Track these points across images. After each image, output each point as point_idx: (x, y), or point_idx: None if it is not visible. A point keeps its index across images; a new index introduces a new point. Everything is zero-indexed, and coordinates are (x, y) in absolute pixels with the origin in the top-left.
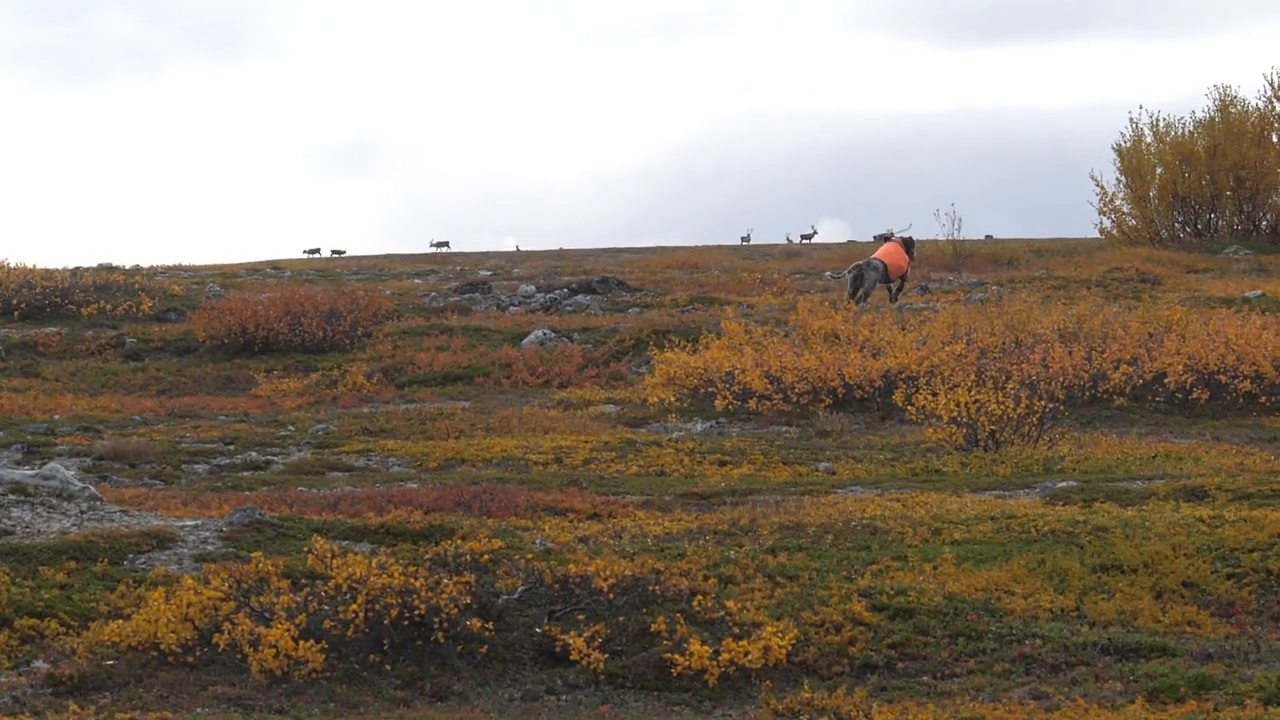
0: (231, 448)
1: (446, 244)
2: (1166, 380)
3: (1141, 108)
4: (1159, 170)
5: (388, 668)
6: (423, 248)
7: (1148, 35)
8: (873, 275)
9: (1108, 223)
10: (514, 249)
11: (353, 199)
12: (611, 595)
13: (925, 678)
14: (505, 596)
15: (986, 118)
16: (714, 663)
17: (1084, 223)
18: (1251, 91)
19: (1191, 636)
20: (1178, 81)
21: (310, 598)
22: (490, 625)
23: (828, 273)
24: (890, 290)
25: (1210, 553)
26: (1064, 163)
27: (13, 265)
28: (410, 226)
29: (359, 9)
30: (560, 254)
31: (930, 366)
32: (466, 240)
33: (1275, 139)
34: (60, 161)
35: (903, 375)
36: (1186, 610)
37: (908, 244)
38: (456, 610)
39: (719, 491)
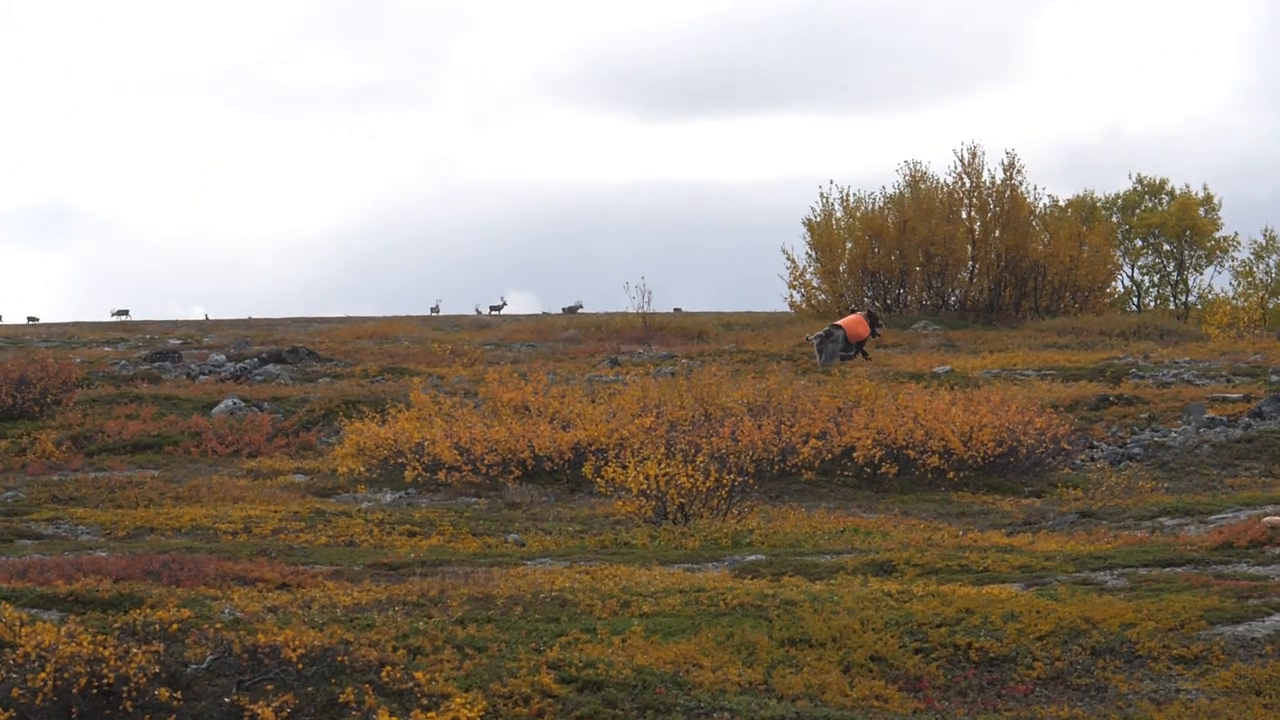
0: None
1: (127, 312)
2: (855, 454)
3: (832, 182)
4: (849, 245)
5: None
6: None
7: (840, 111)
8: (835, 340)
9: (798, 296)
10: (203, 318)
11: (45, 265)
12: (300, 665)
13: None
14: (194, 666)
15: (678, 191)
16: None
17: (774, 297)
18: (942, 168)
19: (879, 711)
20: (869, 157)
21: None
22: (179, 694)
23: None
24: (846, 355)
25: (898, 627)
26: (754, 237)
27: None
28: (101, 294)
29: (54, 74)
30: (250, 323)
31: (620, 439)
32: (155, 309)
33: (965, 215)
34: None
35: (592, 447)
36: (874, 685)
37: (873, 317)
38: (145, 679)
39: (408, 562)
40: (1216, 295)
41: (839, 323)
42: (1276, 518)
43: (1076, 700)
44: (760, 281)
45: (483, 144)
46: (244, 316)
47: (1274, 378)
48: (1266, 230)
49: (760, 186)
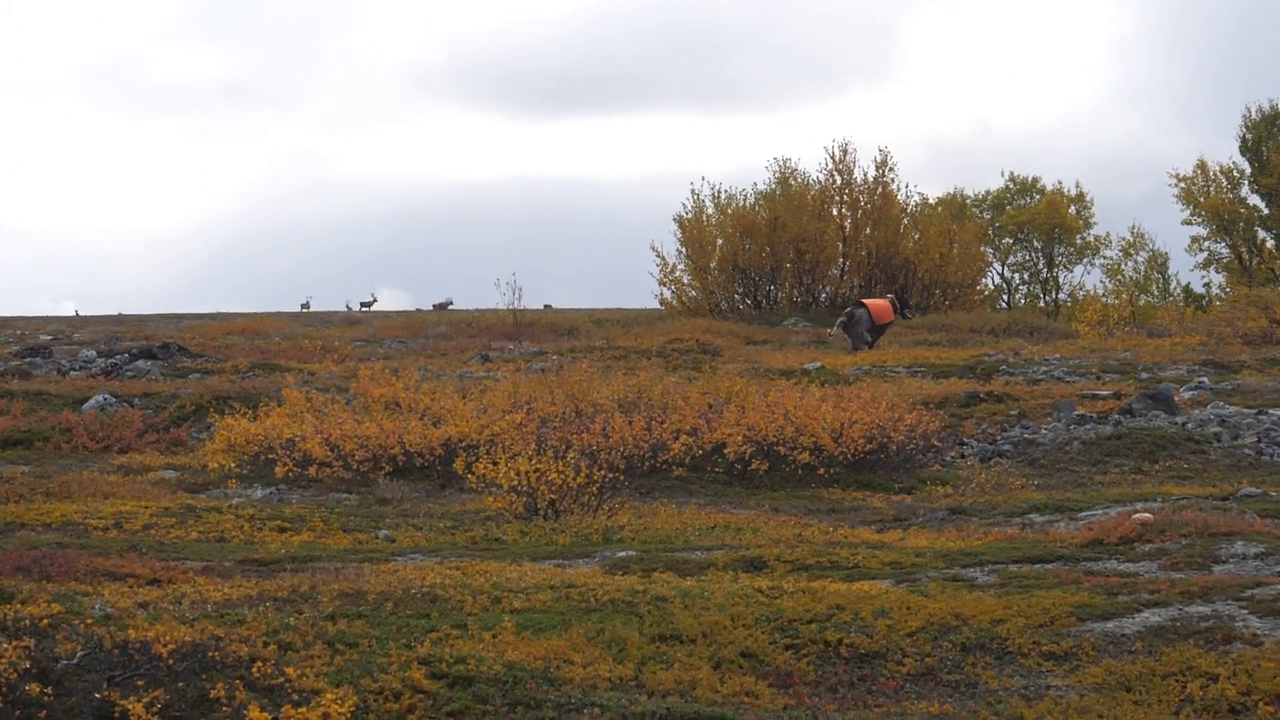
0: None
1: None
2: (726, 451)
3: (704, 179)
4: (720, 242)
5: None
6: None
7: (712, 108)
8: (859, 322)
9: (668, 293)
10: (73, 314)
11: None
12: (171, 661)
13: None
14: (65, 661)
15: (549, 188)
16: None
17: (645, 293)
18: (813, 165)
19: (750, 707)
20: (741, 154)
21: None
22: (49, 690)
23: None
24: (871, 338)
25: (769, 623)
26: (626, 234)
27: None
28: None
29: None
30: (120, 319)
31: (491, 435)
32: (24, 305)
33: (835, 212)
34: None
35: (463, 443)
36: (745, 681)
37: (902, 300)
38: (15, 675)
39: (279, 558)
40: (1087, 293)
41: (863, 301)
42: (1146, 515)
43: (947, 696)
44: (631, 279)
45: (353, 141)
46: (114, 313)
47: (1144, 375)
48: (1135, 228)
49: (632, 184)
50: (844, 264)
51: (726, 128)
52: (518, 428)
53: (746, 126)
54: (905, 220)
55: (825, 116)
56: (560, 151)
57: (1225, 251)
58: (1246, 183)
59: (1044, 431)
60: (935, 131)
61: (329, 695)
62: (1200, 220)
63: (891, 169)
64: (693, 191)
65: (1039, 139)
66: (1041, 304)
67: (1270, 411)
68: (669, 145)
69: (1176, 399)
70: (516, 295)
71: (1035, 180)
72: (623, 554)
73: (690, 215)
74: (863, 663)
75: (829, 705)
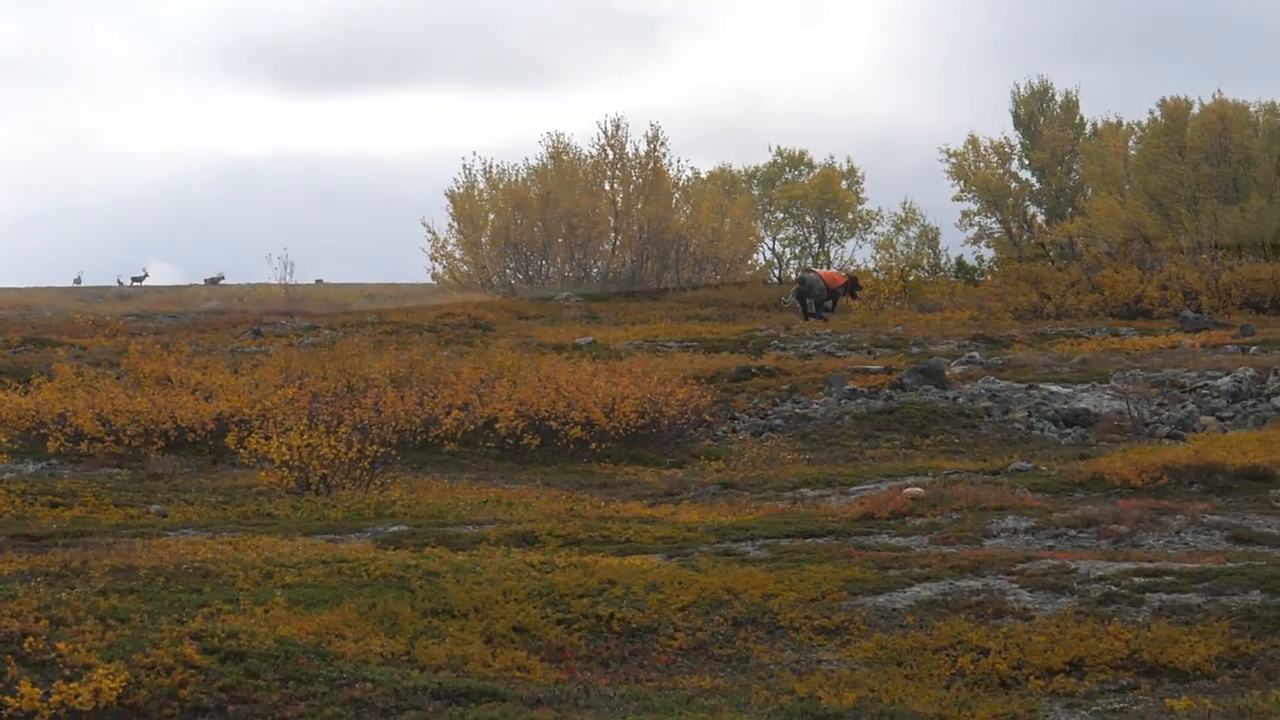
0: None
1: None
2: (498, 426)
3: (475, 154)
4: (492, 216)
5: None
6: None
7: (485, 84)
8: (810, 287)
9: (440, 268)
10: None
11: None
12: None
13: None
14: None
15: (320, 163)
16: (44, 704)
17: (418, 268)
18: (585, 140)
19: (522, 681)
20: (513, 130)
21: None
22: None
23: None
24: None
25: (541, 598)
26: (398, 209)
27: None
28: None
29: None
30: None
31: (263, 410)
32: None
33: (607, 187)
34: None
35: (235, 418)
36: (517, 655)
37: (853, 280)
38: None
39: (51, 533)
40: (858, 267)
41: (812, 269)
42: (917, 489)
43: (718, 670)
44: (405, 254)
45: (124, 117)
46: None
47: (915, 349)
48: (907, 203)
49: (405, 159)
50: (616, 239)
51: (500, 103)
52: (289, 403)
53: (520, 101)
54: (677, 195)
55: (598, 90)
56: (333, 127)
57: (996, 226)
58: (1017, 157)
59: (815, 406)
60: (706, 107)
61: (101, 670)
62: (971, 195)
63: (663, 144)
64: (464, 166)
65: (810, 114)
66: None
67: (1041, 386)
68: (442, 121)
69: (947, 374)
70: (288, 270)
71: (804, 154)
72: (395, 529)
73: (462, 190)
74: (634, 637)
75: (601, 679)
